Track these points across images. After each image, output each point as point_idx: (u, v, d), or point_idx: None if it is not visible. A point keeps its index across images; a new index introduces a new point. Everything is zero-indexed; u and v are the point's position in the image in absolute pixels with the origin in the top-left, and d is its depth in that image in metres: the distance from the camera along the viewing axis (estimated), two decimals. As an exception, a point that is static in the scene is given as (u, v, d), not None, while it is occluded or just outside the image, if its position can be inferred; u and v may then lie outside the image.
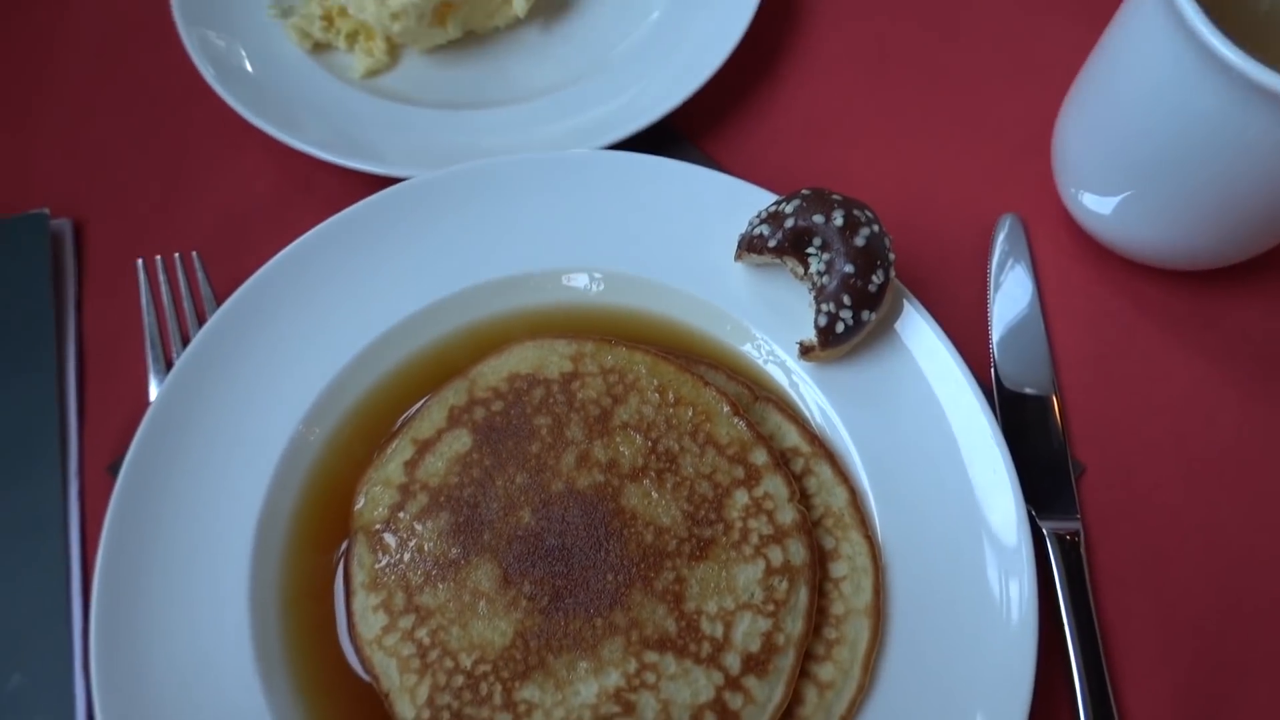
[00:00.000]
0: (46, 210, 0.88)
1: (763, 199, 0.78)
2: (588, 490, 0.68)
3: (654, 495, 0.68)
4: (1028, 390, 0.81)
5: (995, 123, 0.96)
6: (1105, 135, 0.78)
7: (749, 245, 0.75)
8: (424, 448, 0.71)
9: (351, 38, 0.96)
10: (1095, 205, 0.82)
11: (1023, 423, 0.79)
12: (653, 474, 0.68)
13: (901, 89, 0.98)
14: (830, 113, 0.97)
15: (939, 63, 1.00)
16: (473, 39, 0.98)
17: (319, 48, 0.96)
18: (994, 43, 1.01)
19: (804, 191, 0.74)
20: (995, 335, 0.84)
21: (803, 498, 0.70)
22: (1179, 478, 0.79)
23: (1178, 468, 0.79)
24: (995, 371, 0.82)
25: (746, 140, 0.95)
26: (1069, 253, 0.89)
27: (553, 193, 0.80)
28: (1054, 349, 0.84)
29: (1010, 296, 0.86)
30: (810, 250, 0.73)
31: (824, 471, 0.71)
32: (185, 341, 0.80)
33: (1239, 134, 0.67)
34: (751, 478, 0.68)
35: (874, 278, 0.71)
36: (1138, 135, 0.74)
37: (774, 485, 0.68)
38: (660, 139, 0.91)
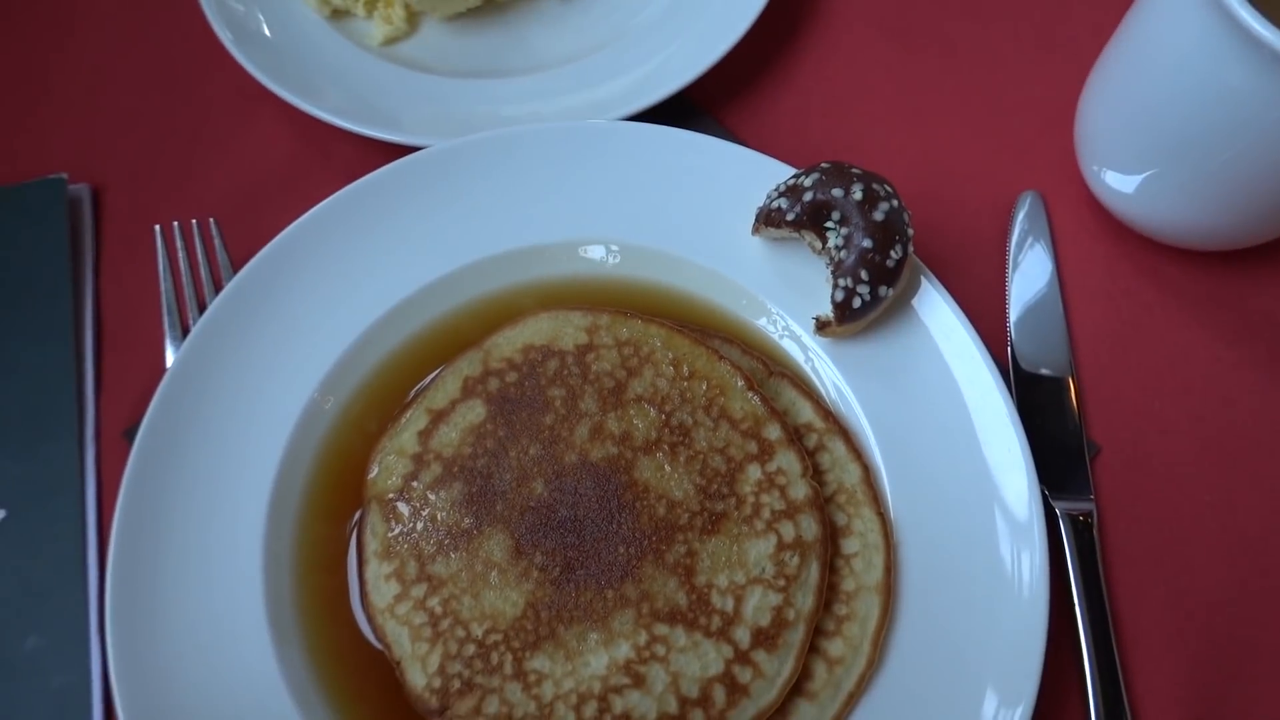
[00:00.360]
0: (65, 175, 0.89)
1: (781, 172, 0.78)
2: (601, 462, 0.68)
3: (667, 468, 0.67)
4: (1044, 370, 0.81)
5: (1018, 98, 0.94)
6: (1130, 111, 0.77)
7: (766, 219, 0.74)
8: (438, 418, 0.71)
9: (370, 4, 0.95)
10: (1118, 183, 0.81)
11: (1039, 402, 0.79)
12: (666, 447, 0.68)
13: (924, 63, 0.97)
14: (851, 86, 0.96)
15: (962, 37, 0.98)
16: (492, 7, 0.98)
17: (337, 14, 0.96)
18: (1018, 17, 0.99)
19: (823, 165, 0.73)
20: (1013, 313, 0.83)
21: (816, 474, 0.70)
22: (1194, 459, 0.78)
23: (1194, 449, 0.79)
24: (1012, 350, 0.81)
25: (765, 113, 0.94)
26: (1089, 231, 0.87)
27: (570, 164, 0.80)
28: (1072, 328, 0.83)
29: (1029, 274, 0.85)
30: (828, 224, 0.72)
31: (837, 448, 0.71)
32: (202, 308, 0.81)
33: (1267, 109, 0.66)
34: (764, 453, 0.68)
35: (892, 253, 0.70)
36: (1163, 111, 0.72)
37: (787, 461, 0.68)
38: (679, 111, 0.90)
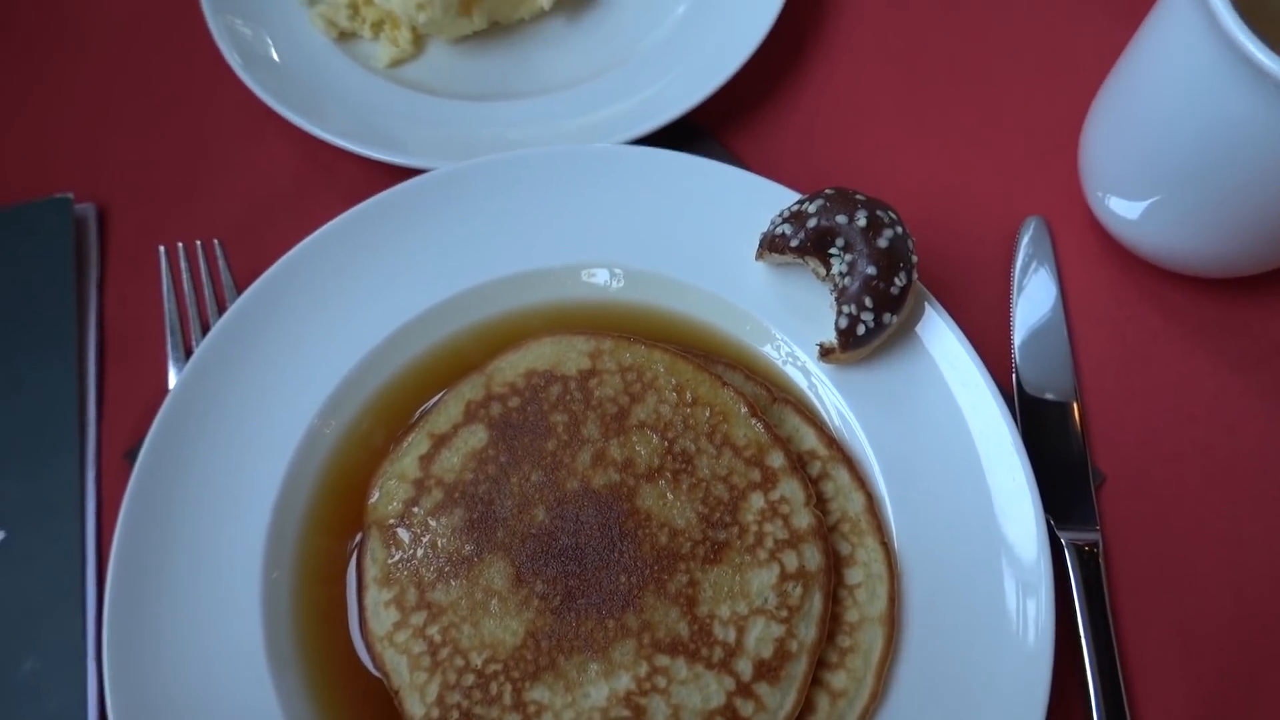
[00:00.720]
0: (71, 195, 0.89)
1: (785, 197, 0.78)
2: (603, 490, 0.67)
3: (669, 496, 0.67)
4: (1049, 396, 0.80)
5: (1022, 123, 0.94)
6: (1134, 138, 0.76)
7: (771, 244, 0.74)
8: (440, 442, 0.71)
9: (377, 27, 0.96)
10: (1122, 209, 0.81)
11: (1043, 430, 0.78)
12: (668, 474, 0.68)
13: (928, 87, 0.97)
14: (855, 110, 0.96)
15: (966, 61, 0.98)
16: (497, 30, 0.98)
17: (344, 36, 0.96)
18: (1022, 42, 0.99)
19: (827, 191, 0.73)
20: (1017, 339, 0.82)
21: (819, 502, 0.69)
22: (1201, 488, 0.78)
23: (1200, 478, 0.78)
24: (1016, 376, 0.81)
25: (770, 137, 0.94)
26: (1094, 257, 0.87)
27: (574, 187, 0.80)
28: (1076, 355, 0.83)
29: (1033, 300, 0.85)
30: (832, 251, 0.72)
31: (841, 476, 0.70)
32: (205, 329, 0.81)
33: (1273, 139, 0.65)
34: (768, 480, 0.68)
35: (896, 280, 0.70)
36: (1168, 139, 0.72)
37: (790, 489, 0.68)
38: (683, 134, 0.90)
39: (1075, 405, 0.80)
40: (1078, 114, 0.85)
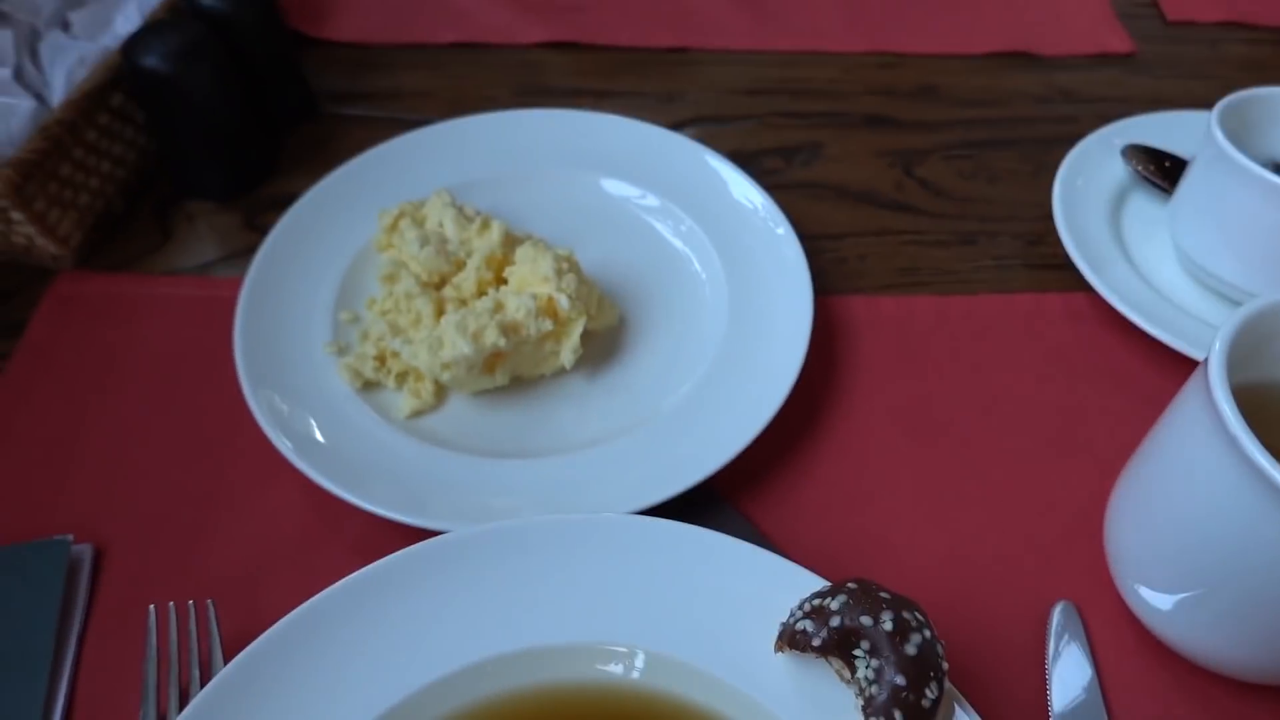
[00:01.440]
0: (70, 537, 0.86)
1: (807, 582, 0.75)
2: None
3: None
4: (1097, 808, 0.73)
5: (1044, 500, 0.93)
6: (1157, 534, 0.75)
7: (791, 640, 0.71)
8: None
9: (401, 377, 0.98)
10: (1154, 599, 0.78)
11: None
12: None
13: (946, 460, 0.97)
14: (873, 480, 0.95)
15: (983, 434, 0.99)
16: (518, 384, 1.00)
17: (368, 385, 0.98)
18: (1037, 417, 1.00)
19: (850, 585, 0.71)
20: (1057, 744, 0.76)
21: None
22: None
23: None
24: (1061, 791, 0.74)
25: (787, 504, 0.93)
26: (1130, 648, 0.83)
27: (591, 560, 0.77)
28: (1123, 761, 0.77)
29: (1070, 692, 0.80)
30: (857, 653, 0.68)
31: None
32: (184, 700, 0.75)
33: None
34: None
35: (927, 692, 0.66)
36: (1192, 541, 0.71)
37: None
38: (700, 498, 0.89)
39: (1127, 825, 0.73)
40: (1101, 492, 0.84)
